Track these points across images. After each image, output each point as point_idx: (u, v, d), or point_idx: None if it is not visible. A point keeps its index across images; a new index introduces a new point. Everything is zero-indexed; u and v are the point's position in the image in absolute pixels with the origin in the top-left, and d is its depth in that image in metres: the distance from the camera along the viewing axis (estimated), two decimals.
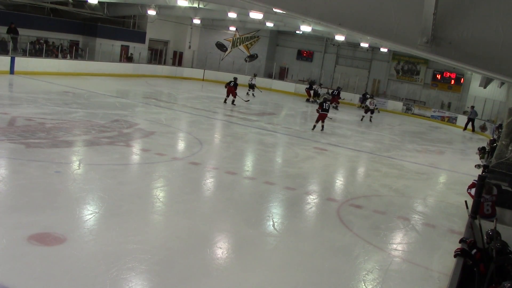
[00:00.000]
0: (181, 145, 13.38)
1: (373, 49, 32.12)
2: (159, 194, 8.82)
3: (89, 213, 7.22)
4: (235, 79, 22.10)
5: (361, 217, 8.79)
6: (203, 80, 34.30)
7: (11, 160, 9.35)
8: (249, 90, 26.90)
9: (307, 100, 28.06)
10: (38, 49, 25.54)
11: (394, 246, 7.75)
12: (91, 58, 28.39)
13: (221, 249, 6.66)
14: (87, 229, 6.67)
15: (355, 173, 13.15)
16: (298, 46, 35.53)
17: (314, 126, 17.45)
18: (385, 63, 32.88)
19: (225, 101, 21.83)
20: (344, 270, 6.53)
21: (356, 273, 6.53)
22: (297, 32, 32.63)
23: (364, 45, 29.84)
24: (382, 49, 30.80)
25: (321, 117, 17.36)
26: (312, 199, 9.62)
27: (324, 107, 17.39)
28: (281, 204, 9.11)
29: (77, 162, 9.85)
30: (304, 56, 35.44)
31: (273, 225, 7.79)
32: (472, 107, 25.44)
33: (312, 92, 28.44)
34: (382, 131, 18.45)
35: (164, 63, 34.69)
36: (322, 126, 17.48)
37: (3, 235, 6.04)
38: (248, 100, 23.73)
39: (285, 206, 9.02)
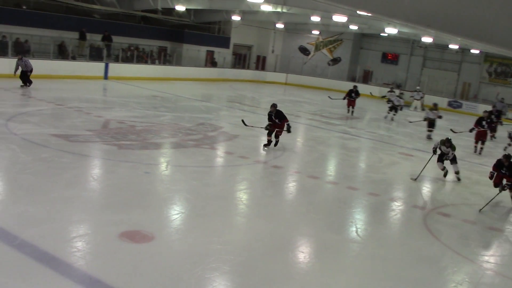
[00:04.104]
0: (264, 149, 13.49)
1: (463, 50, 30.66)
2: (242, 196, 8.95)
3: (176, 213, 7.47)
4: (355, 87, 21.06)
5: (449, 226, 8.41)
6: (285, 84, 34.45)
7: (104, 161, 9.92)
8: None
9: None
10: (130, 56, 26.88)
11: (486, 258, 7.33)
12: (178, 63, 29.46)
13: (303, 254, 6.63)
14: (173, 228, 6.91)
15: (443, 180, 12.59)
16: (382, 48, 34.72)
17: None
18: (476, 65, 31.26)
19: (351, 113, 20.90)
20: (431, 281, 6.27)
21: (444, 285, 6.25)
22: (382, 34, 31.87)
23: (454, 46, 28.57)
24: (472, 51, 29.29)
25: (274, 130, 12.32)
26: (397, 206, 9.34)
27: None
28: (364, 210, 8.93)
29: (165, 164, 10.25)
30: (389, 59, 34.56)
31: (356, 231, 7.65)
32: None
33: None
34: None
35: (248, 68, 35.23)
36: None
37: (97, 231, 6.41)
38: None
39: (369, 212, 8.83)
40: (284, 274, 5.85)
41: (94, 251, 5.83)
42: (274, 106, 12.33)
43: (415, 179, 10.96)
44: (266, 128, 12.31)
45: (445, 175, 11.61)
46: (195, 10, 29.74)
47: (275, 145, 12.50)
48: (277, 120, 12.19)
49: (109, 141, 11.17)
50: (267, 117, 12.34)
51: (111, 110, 15.75)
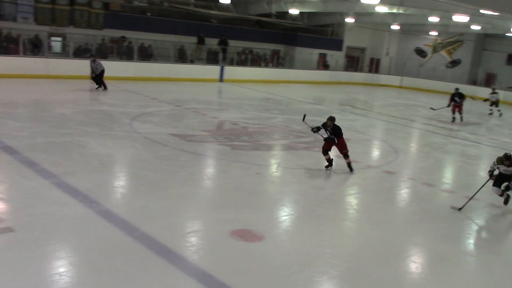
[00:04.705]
0: (375, 153, 13.19)
1: None
2: (352, 201, 8.82)
3: (285, 215, 7.55)
4: (457, 89, 18.95)
5: None
6: (400, 87, 33.37)
7: (218, 161, 10.32)
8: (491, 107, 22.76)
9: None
10: (244, 59, 27.66)
11: None
12: (291, 66, 29.79)
13: (415, 264, 6.37)
14: (282, 229, 6.98)
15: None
16: (508, 50, 32.31)
17: None
18: None
19: (460, 119, 19.17)
20: None
21: None
22: (508, 34, 29.62)
23: None
24: None
25: None
26: None
27: None
28: (484, 222, 8.36)
29: (276, 165, 10.40)
30: None
31: (474, 244, 7.19)
32: None
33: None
34: None
35: (361, 70, 34.66)
36: None
37: (210, 228, 6.68)
38: None
39: (489, 225, 8.26)
40: (394, 284, 5.67)
41: (207, 247, 6.08)
42: (331, 119, 9.83)
43: (460, 209, 8.31)
44: (313, 130, 10.17)
45: (506, 201, 8.65)
46: (309, 13, 29.88)
47: (350, 169, 10.08)
48: (333, 137, 9.83)
49: (223, 142, 11.59)
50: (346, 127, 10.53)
51: (226, 111, 16.32)
